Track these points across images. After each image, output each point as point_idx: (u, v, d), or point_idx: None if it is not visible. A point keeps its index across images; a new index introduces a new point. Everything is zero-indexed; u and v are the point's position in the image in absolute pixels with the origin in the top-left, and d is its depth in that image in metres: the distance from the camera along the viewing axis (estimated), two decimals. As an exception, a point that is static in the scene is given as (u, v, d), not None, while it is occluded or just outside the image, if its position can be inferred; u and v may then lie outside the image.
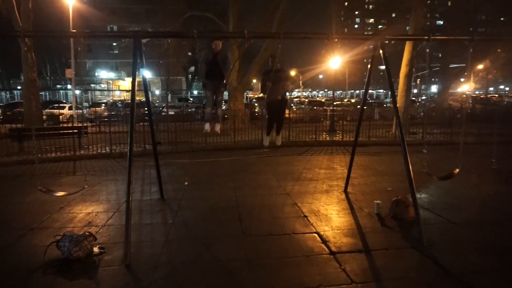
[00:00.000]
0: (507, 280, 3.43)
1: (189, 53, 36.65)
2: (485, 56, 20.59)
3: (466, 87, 31.58)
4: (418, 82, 41.20)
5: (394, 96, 5.22)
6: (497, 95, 38.20)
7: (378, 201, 5.36)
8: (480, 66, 26.38)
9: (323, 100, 35.18)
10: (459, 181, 6.39)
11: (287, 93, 5.79)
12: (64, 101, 32.77)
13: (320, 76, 64.52)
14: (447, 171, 5.69)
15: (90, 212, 5.50)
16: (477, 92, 40.17)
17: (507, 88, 54.41)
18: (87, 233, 4.07)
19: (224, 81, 5.43)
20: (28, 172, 8.47)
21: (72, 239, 3.87)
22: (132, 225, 4.10)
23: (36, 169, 5.52)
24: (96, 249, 4.01)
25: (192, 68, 47.83)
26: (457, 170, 5.23)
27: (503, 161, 6.35)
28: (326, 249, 4.09)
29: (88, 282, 3.43)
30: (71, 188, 5.79)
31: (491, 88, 54.68)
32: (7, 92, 40.02)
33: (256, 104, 26.31)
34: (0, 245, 4.30)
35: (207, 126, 5.48)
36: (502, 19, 30.82)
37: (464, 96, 28.58)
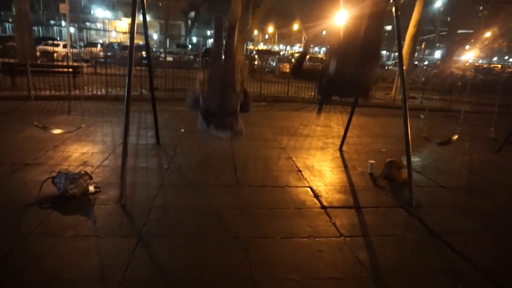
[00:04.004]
0: (483, 240, 3.59)
1: (190, -4, 34.83)
2: (493, 24, 19.90)
3: (470, 55, 30.94)
4: (422, 46, 40.17)
5: (401, 58, 5.06)
6: (499, 66, 37.59)
7: (372, 161, 5.42)
8: (487, 34, 25.68)
9: (324, 58, 34.40)
10: (453, 147, 6.47)
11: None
12: (57, 38, 31.57)
13: (324, 33, 62.49)
14: (444, 137, 5.73)
15: (85, 152, 5.50)
16: (480, 61, 39.48)
17: (511, 59, 53.47)
18: (83, 172, 4.08)
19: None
20: (21, 108, 8.30)
21: (67, 176, 3.89)
22: (127, 167, 4.12)
23: (31, 105, 5.41)
24: (91, 188, 4.05)
25: (192, 14, 45.79)
26: (456, 136, 5.28)
27: (501, 131, 6.38)
28: (318, 203, 4.19)
29: (84, 219, 3.49)
30: (67, 127, 5.73)
31: (495, 58, 53.76)
32: (-3, 24, 38.20)
33: (256, 56, 25.72)
34: (-5, 177, 4.32)
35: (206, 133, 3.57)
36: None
37: (467, 64, 28.13)
